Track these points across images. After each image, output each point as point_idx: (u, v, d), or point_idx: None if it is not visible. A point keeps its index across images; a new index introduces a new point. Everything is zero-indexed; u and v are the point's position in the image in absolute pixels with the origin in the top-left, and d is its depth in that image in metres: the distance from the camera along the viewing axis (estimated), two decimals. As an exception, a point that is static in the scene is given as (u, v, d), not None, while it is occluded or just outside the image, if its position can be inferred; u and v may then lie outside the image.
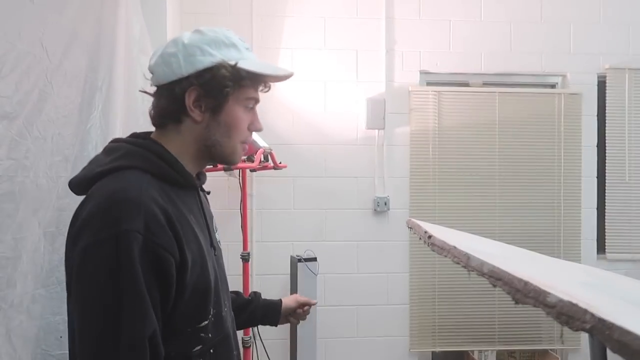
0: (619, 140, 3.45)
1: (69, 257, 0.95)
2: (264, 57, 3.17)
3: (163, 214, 0.92)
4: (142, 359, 0.87)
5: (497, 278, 0.72)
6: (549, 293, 0.59)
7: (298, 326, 2.84)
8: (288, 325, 2.99)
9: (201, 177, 1.14)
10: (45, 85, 1.49)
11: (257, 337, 2.87)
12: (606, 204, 3.46)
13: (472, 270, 0.80)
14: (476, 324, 3.34)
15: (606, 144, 3.45)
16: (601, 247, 3.46)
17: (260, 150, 2.68)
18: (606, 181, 3.46)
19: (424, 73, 3.34)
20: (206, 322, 1.01)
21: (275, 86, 3.43)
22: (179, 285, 0.94)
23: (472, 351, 3.37)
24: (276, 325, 1.51)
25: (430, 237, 1.02)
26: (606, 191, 3.46)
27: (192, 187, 1.07)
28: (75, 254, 0.91)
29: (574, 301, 0.54)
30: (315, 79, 3.24)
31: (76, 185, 1.01)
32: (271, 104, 3.19)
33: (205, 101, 1.01)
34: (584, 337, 3.39)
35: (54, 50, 1.54)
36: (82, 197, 0.99)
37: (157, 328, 0.90)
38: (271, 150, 2.76)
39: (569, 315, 0.54)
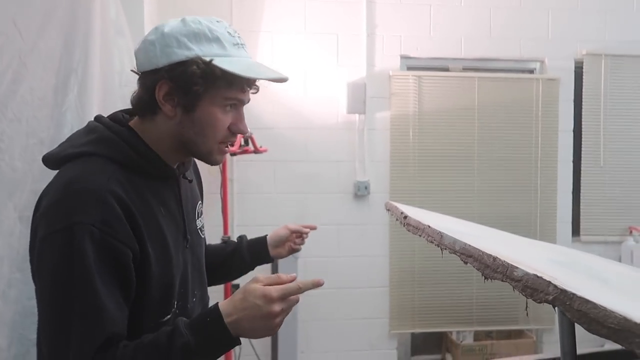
0: (595, 125, 3.51)
1: (31, 247, 0.94)
2: (244, 40, 3.13)
3: (122, 207, 0.90)
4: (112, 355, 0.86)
5: (468, 255, 0.74)
6: (516, 267, 0.61)
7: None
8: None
9: (186, 164, 1.10)
10: (20, 66, 1.46)
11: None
12: (581, 188, 3.53)
13: (445, 248, 0.83)
14: (454, 305, 3.41)
15: (582, 129, 3.51)
16: (576, 230, 3.54)
17: (240, 134, 2.67)
18: (581, 165, 3.53)
19: (404, 58, 3.35)
20: (169, 316, 0.99)
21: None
22: (142, 280, 0.93)
23: (451, 332, 3.45)
24: (270, 262, 1.45)
25: (405, 217, 1.04)
26: (581, 175, 3.53)
27: (168, 178, 1.04)
28: (36, 245, 0.91)
29: (539, 274, 0.57)
30: (296, 62, 3.22)
31: (47, 160, 1.00)
32: (251, 88, 3.17)
33: (177, 97, 0.95)
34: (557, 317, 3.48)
35: (27, 30, 1.50)
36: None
37: (116, 329, 0.88)
38: (251, 134, 2.76)
39: (534, 288, 0.57)
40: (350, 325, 3.33)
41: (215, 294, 1.36)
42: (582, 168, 3.53)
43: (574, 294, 0.50)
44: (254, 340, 2.98)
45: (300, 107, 3.24)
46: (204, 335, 0.85)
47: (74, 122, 1.73)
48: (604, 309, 0.46)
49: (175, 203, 1.05)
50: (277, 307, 0.86)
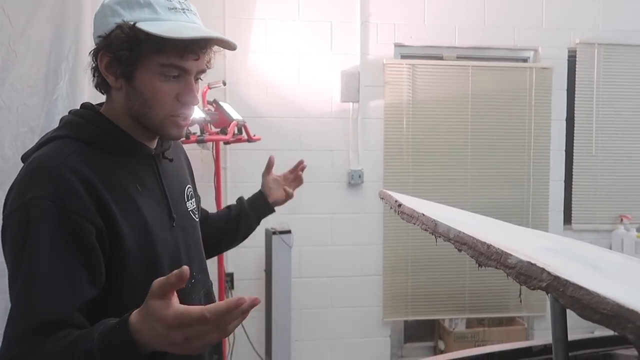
0: (587, 114, 3.53)
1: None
2: (237, 28, 3.11)
3: (81, 180, 0.89)
4: (40, 345, 0.80)
5: (462, 242, 0.74)
6: (510, 255, 0.61)
7: (273, 297, 2.88)
8: (262, 296, 3.04)
9: (164, 143, 1.09)
10: (9, 53, 1.44)
11: (233, 309, 2.89)
12: (573, 177, 3.55)
13: (439, 236, 0.83)
14: (447, 293, 3.43)
15: (574, 118, 3.52)
16: (567, 218, 3.57)
17: (234, 123, 2.66)
18: (574, 154, 3.54)
19: (398, 46, 3.34)
20: None
21: (248, 57, 3.37)
22: (116, 256, 0.91)
23: (443, 319, 3.48)
24: (273, 211, 1.49)
25: (400, 205, 1.04)
26: (573, 164, 3.55)
27: (142, 154, 1.03)
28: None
29: (533, 261, 0.57)
30: (289, 50, 3.20)
31: (24, 157, 1.00)
32: (244, 76, 3.15)
33: (116, 67, 0.94)
34: (549, 304, 3.52)
35: (17, 17, 1.48)
36: None
37: (62, 309, 0.83)
38: (245, 122, 2.74)
39: (527, 275, 0.57)
40: (343, 313, 3.35)
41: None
42: (574, 157, 3.54)
43: (567, 281, 0.50)
44: (247, 329, 2.99)
45: (293, 96, 3.23)
46: (109, 346, 0.75)
47: (65, 111, 1.71)
48: (597, 295, 0.46)
49: (154, 181, 1.04)
50: (178, 336, 0.70)
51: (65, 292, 0.85)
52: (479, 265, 0.69)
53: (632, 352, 1.50)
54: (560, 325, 1.09)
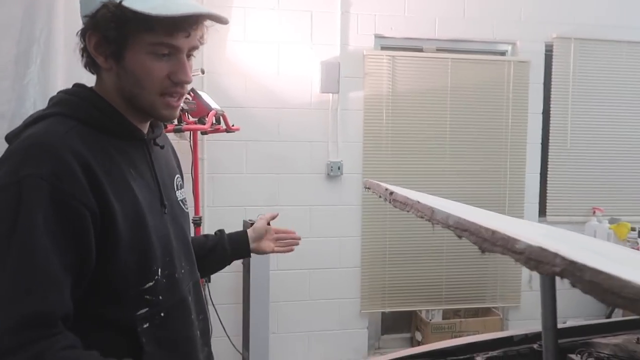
0: (563, 108, 3.58)
1: None
2: (215, 15, 3.03)
3: (79, 162, 0.84)
4: (29, 339, 0.76)
5: (463, 229, 0.72)
6: (518, 240, 0.59)
7: (251, 290, 2.85)
8: (240, 289, 3.00)
9: (155, 129, 1.06)
10: (-25, 33, 1.36)
11: (210, 303, 2.84)
12: (548, 169, 3.61)
13: (437, 223, 0.80)
14: (424, 285, 3.45)
15: (550, 112, 3.57)
16: (542, 210, 3.63)
17: (212, 113, 2.60)
18: (549, 147, 3.59)
19: (378, 37, 3.32)
20: (151, 283, 0.94)
21: (227, 46, 3.31)
22: (108, 241, 0.87)
23: (420, 310, 3.50)
24: (249, 256, 1.42)
25: (392, 193, 1.02)
26: (549, 157, 3.60)
27: (136, 138, 0.99)
28: None
29: (544, 246, 0.55)
30: (269, 40, 3.15)
31: (10, 137, 0.94)
32: (223, 66, 3.09)
33: (105, 47, 0.91)
34: (524, 295, 3.58)
35: (-17, -5, 1.40)
36: None
37: (55, 297, 0.79)
38: (223, 112, 2.69)
39: (538, 260, 0.55)
40: (321, 305, 3.33)
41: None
42: (549, 150, 3.60)
43: (584, 265, 0.49)
44: (225, 321, 2.95)
45: (273, 86, 3.18)
46: None
47: (36, 96, 1.64)
48: (619, 279, 0.44)
49: (147, 167, 1.01)
50: None
51: (59, 281, 0.80)
52: (482, 251, 0.67)
53: (610, 340, 1.52)
54: (550, 315, 1.09)
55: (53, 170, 0.82)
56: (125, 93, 0.94)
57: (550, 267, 0.53)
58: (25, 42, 1.65)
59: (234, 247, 1.35)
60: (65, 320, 0.81)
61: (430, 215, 0.82)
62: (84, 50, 0.94)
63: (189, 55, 0.97)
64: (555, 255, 0.52)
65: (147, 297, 0.94)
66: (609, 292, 0.45)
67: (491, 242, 0.65)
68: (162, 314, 0.96)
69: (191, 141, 2.79)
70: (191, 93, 2.66)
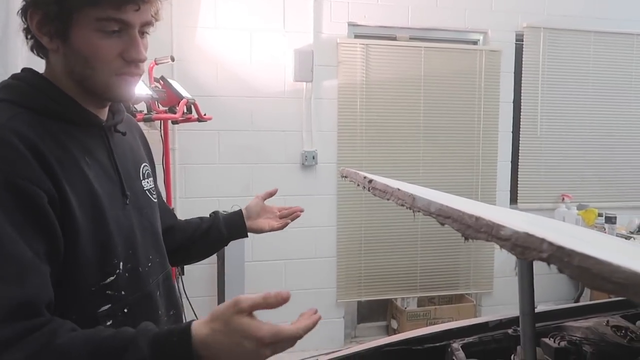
0: (533, 96, 3.63)
1: None
2: (185, 2, 2.96)
3: (26, 145, 0.78)
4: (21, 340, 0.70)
5: (446, 216, 0.71)
6: (503, 226, 0.58)
7: (226, 282, 2.81)
8: (215, 281, 2.95)
9: (116, 115, 0.99)
10: None
11: (184, 295, 2.79)
12: (519, 158, 3.66)
13: (418, 211, 0.79)
14: (399, 273, 3.47)
15: (521, 101, 3.62)
16: (514, 198, 3.68)
17: (184, 101, 2.54)
18: (520, 136, 3.65)
19: (352, 25, 3.29)
20: (112, 277, 0.89)
21: (197, 33, 3.22)
22: (66, 230, 0.81)
23: (396, 299, 3.52)
24: (246, 236, 1.35)
25: (371, 181, 1.00)
26: (520, 145, 3.66)
27: (91, 125, 0.93)
28: None
29: (530, 232, 0.54)
30: (241, 27, 3.09)
31: None
32: (193, 53, 3.01)
33: (49, 25, 0.84)
34: (496, 282, 3.64)
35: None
36: None
37: (37, 287, 0.75)
38: (195, 101, 2.63)
39: (524, 246, 0.54)
40: (298, 295, 3.31)
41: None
42: (520, 138, 3.65)
43: (572, 250, 0.48)
44: (199, 314, 2.90)
45: (245, 74, 3.12)
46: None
47: (-4, 81, 1.55)
48: (610, 264, 0.44)
49: (105, 155, 0.94)
50: (268, 352, 0.72)
51: (35, 267, 0.75)
52: (466, 238, 0.66)
53: (581, 323, 1.55)
54: (528, 301, 1.10)
55: (0, 154, 0.76)
56: (75, 76, 0.88)
57: (537, 253, 0.52)
58: (-17, 26, 1.56)
59: (229, 228, 1.30)
60: (50, 306, 0.76)
61: (412, 203, 0.81)
62: (27, 31, 0.87)
63: (142, 32, 0.90)
64: (542, 241, 0.51)
65: (109, 292, 0.88)
66: (598, 277, 0.44)
67: (475, 229, 0.63)
68: (125, 310, 0.91)
69: (162, 131, 2.72)
70: (161, 81, 2.58)
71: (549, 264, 0.51)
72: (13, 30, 1.63)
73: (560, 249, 0.49)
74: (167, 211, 1.24)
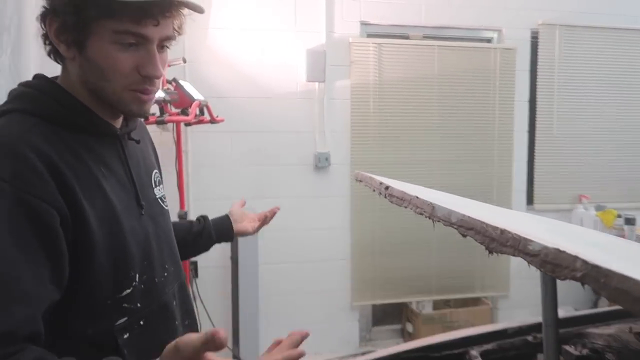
0: (548, 95, 3.56)
1: None
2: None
3: (42, 160, 0.76)
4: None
5: (468, 227, 0.68)
6: (531, 240, 0.55)
7: (240, 284, 2.80)
8: (228, 283, 2.94)
9: (129, 122, 0.97)
10: (-60, 22, 1.27)
11: (198, 299, 2.78)
12: (535, 157, 3.60)
13: (438, 220, 0.76)
14: (414, 276, 3.43)
15: (537, 99, 3.55)
16: (530, 199, 3.62)
17: (196, 103, 2.52)
18: (536, 135, 3.58)
19: (364, 24, 3.25)
20: (129, 290, 0.87)
21: (208, 34, 3.22)
22: (81, 246, 0.80)
23: (410, 302, 3.48)
24: (233, 239, 1.41)
25: (387, 188, 0.97)
26: (535, 145, 3.59)
27: (106, 134, 0.91)
28: None
29: (561, 248, 0.51)
30: (252, 27, 3.07)
31: None
32: (205, 55, 3.00)
33: (67, 33, 0.82)
34: (513, 284, 3.58)
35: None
36: None
37: (42, 307, 0.73)
38: (207, 103, 2.61)
39: (555, 264, 0.51)
40: (311, 298, 3.29)
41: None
42: (536, 138, 3.58)
43: (609, 270, 0.44)
44: (213, 317, 2.89)
45: (257, 75, 3.10)
46: None
47: (7, 87, 1.54)
48: (653, 288, 0.40)
49: (120, 164, 0.92)
50: None
51: (27, 296, 0.72)
52: (490, 252, 0.63)
53: (603, 330, 1.51)
54: (551, 311, 1.05)
55: (14, 170, 0.74)
56: (90, 85, 0.86)
57: (570, 272, 0.48)
58: (-5, 31, 1.56)
59: (218, 232, 1.35)
60: (33, 338, 0.72)
61: (431, 212, 0.78)
62: (46, 37, 0.85)
63: (161, 47, 0.88)
64: (576, 258, 0.48)
65: (125, 305, 0.87)
66: (637, 301, 0.41)
67: (500, 243, 0.60)
68: (141, 322, 0.89)
69: (174, 133, 2.70)
70: (173, 83, 2.57)
71: (582, 283, 0.47)
72: (25, 42, 1.63)
73: (596, 268, 0.46)
74: None
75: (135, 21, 0.81)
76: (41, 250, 0.75)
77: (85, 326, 0.81)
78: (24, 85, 0.88)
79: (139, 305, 0.89)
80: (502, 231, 0.60)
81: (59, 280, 0.78)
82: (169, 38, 0.88)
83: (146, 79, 0.86)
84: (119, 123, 0.95)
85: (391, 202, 0.94)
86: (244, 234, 1.40)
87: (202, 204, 3.07)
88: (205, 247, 1.35)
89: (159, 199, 1.03)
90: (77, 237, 0.79)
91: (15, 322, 0.70)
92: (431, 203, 0.78)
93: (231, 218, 1.37)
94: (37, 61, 1.69)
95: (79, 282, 0.80)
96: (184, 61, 2.63)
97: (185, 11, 0.88)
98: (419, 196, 0.83)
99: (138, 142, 1.00)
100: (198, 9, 0.87)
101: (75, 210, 0.79)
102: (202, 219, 1.36)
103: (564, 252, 0.50)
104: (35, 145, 0.77)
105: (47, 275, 0.75)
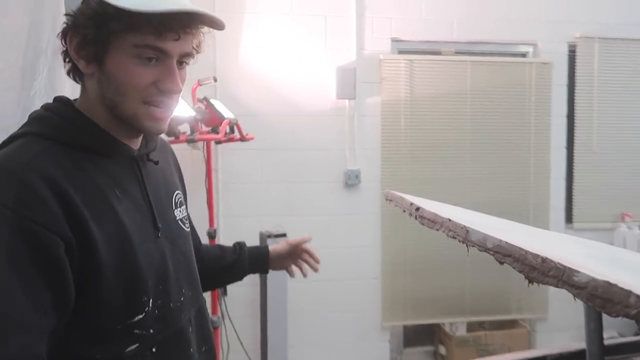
0: (587, 110, 3.44)
1: None
2: (228, 22, 2.96)
3: (50, 187, 0.75)
4: None
5: (506, 254, 0.63)
6: (577, 271, 0.50)
7: (268, 302, 2.77)
8: (257, 301, 2.91)
9: (149, 143, 0.96)
10: (-21, 44, 1.31)
11: (226, 317, 2.77)
12: (574, 174, 3.47)
13: (473, 245, 0.71)
14: (447, 296, 3.33)
15: (575, 114, 3.44)
16: (569, 217, 3.49)
17: (226, 122, 2.54)
18: (574, 151, 3.46)
19: (395, 41, 3.23)
20: (141, 315, 0.85)
21: (239, 53, 3.26)
22: (89, 272, 0.78)
23: (443, 323, 3.37)
24: (267, 273, 1.40)
25: (418, 209, 0.93)
26: (574, 161, 3.46)
27: (123, 155, 0.90)
28: None
29: (612, 281, 0.46)
30: (282, 45, 3.08)
31: None
32: (236, 73, 3.03)
33: (87, 48, 0.82)
34: (551, 306, 3.43)
35: (-13, 5, 1.35)
36: None
37: (43, 336, 0.72)
38: (237, 121, 2.62)
39: (605, 298, 0.46)
40: (341, 317, 3.23)
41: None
42: (574, 154, 3.46)
43: (670, 309, 0.39)
44: (242, 336, 2.87)
45: (287, 93, 3.11)
46: None
47: (43, 108, 1.58)
48: None
49: (137, 186, 0.91)
50: None
51: (26, 326, 0.71)
52: (530, 281, 0.58)
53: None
54: (596, 339, 0.99)
55: (18, 197, 0.73)
56: (107, 102, 0.85)
57: (622, 308, 0.44)
58: (32, 53, 1.60)
59: (253, 266, 1.32)
60: None
61: (465, 236, 0.73)
62: (66, 54, 0.86)
63: (180, 63, 0.87)
64: (629, 293, 0.43)
65: (137, 331, 0.84)
66: None
67: (541, 272, 0.55)
68: (153, 349, 0.87)
69: (204, 151, 2.72)
70: (204, 102, 2.60)
71: (637, 322, 0.43)
72: (61, 64, 1.66)
73: (654, 305, 0.41)
74: (193, 235, 1.21)
75: (155, 35, 0.81)
76: (41, 278, 0.73)
77: (94, 351, 0.80)
78: (44, 108, 0.88)
79: (151, 331, 0.87)
80: (544, 259, 0.56)
81: (63, 305, 0.76)
82: (188, 55, 0.87)
83: (163, 93, 0.86)
84: (137, 143, 0.94)
85: (422, 223, 0.89)
86: (280, 269, 1.39)
87: (232, 222, 3.08)
88: (235, 279, 1.32)
89: (179, 221, 1.00)
90: (84, 261, 0.78)
91: (14, 353, 0.69)
92: (465, 227, 0.73)
93: (271, 256, 1.34)
94: (71, 83, 1.73)
95: (87, 305, 0.79)
96: (215, 80, 2.65)
97: (208, 29, 0.87)
98: (451, 219, 0.78)
99: (157, 163, 0.98)
100: (218, 24, 0.86)
101: (82, 234, 0.77)
102: (239, 246, 1.33)
103: (615, 285, 0.45)
104: (42, 170, 0.76)
105: (48, 303, 0.74)
